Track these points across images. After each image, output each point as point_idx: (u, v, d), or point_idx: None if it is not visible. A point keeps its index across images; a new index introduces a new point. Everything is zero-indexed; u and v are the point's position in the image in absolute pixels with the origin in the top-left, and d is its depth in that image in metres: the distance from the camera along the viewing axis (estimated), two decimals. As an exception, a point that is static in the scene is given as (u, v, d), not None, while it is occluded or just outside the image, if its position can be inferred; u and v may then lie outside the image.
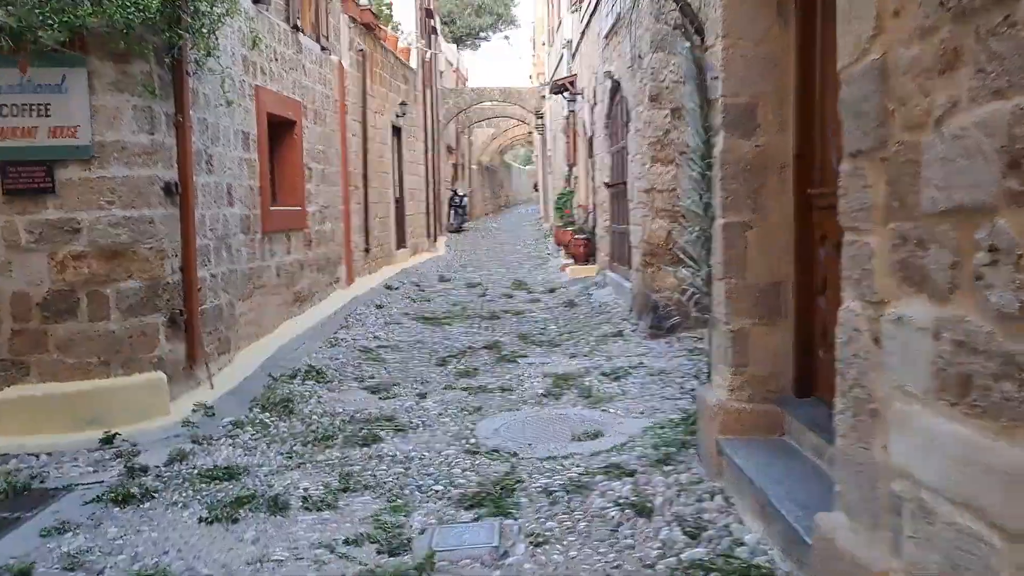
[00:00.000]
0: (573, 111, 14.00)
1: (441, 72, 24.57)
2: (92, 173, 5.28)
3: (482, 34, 37.12)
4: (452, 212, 24.60)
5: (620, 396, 5.98)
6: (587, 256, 12.23)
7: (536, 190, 40.82)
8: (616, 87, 9.61)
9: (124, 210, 5.37)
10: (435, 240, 19.10)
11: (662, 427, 5.05)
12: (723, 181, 4.09)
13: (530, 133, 37.01)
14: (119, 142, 5.33)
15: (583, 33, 13.22)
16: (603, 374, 6.54)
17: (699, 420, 4.38)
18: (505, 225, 29.90)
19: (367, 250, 12.10)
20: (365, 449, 4.95)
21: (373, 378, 6.74)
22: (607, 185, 10.65)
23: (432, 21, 20.11)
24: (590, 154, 12.31)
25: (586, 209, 12.97)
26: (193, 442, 5.10)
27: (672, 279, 7.54)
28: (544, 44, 25.06)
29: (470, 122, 29.34)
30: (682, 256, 4.74)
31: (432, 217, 18.87)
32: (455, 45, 31.02)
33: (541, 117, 24.26)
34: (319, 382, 6.55)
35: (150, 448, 5.01)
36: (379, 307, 9.85)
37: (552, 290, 11.16)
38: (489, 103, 27.90)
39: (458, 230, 24.44)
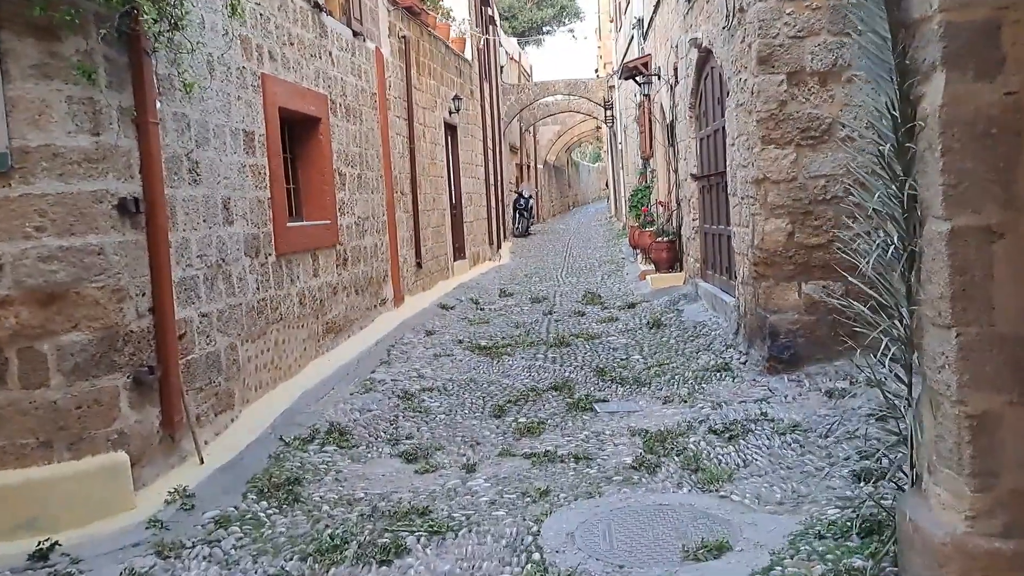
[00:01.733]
0: (647, 96, 12.27)
1: (502, 67, 23.11)
2: (12, 191, 3.91)
3: (545, 28, 35.52)
4: (517, 215, 23.09)
5: (742, 469, 4.31)
6: (671, 262, 10.50)
7: (607, 187, 39.03)
8: (705, 57, 7.88)
9: (60, 238, 3.99)
10: (498, 247, 17.61)
11: (821, 536, 3.38)
12: (945, 157, 2.41)
13: (598, 128, 35.26)
14: (49, 147, 3.95)
15: (656, 6, 11.49)
16: (712, 431, 4.87)
17: (906, 555, 2.68)
18: (574, 226, 28.22)
19: (419, 264, 10.67)
20: (384, 569, 3.45)
21: (410, 438, 5.23)
22: (695, 177, 8.91)
23: (489, 10, 18.64)
24: (670, 142, 10.58)
25: (667, 207, 11.23)
26: (157, 553, 3.70)
27: (795, 296, 5.80)
28: (611, 31, 23.31)
29: (534, 119, 27.80)
30: (878, 280, 3.02)
31: (494, 222, 17.39)
32: (516, 41, 29.52)
33: (610, 108, 22.51)
34: (341, 447, 5.08)
35: (96, 567, 3.63)
36: (429, 333, 8.36)
37: (631, 305, 9.48)
38: (554, 98, 26.30)
39: (524, 234, 22.92)
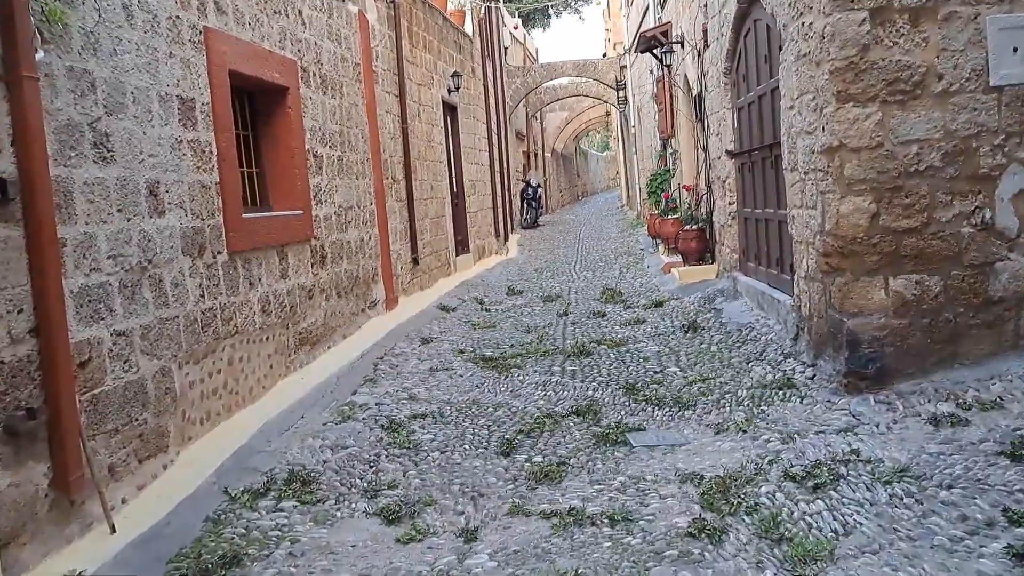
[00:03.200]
0: (668, 67, 10.99)
1: (506, 48, 21.83)
2: None
3: (551, 10, 34.13)
4: (525, 206, 21.84)
5: (844, 540, 3.11)
6: (701, 253, 9.25)
7: (616, 176, 37.71)
8: (746, 8, 6.63)
9: None
10: (505, 240, 16.38)
11: None
12: None
13: (607, 114, 33.97)
14: None
15: (678, -35, 10.23)
16: (790, 476, 3.66)
17: None
18: (584, 216, 26.96)
19: (415, 260, 9.46)
20: None
21: (394, 487, 4.04)
22: (732, 154, 7.66)
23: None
24: (698, 117, 9.32)
25: (695, 191, 9.97)
26: None
27: (881, 294, 4.56)
28: (621, 7, 21.99)
29: (542, 104, 26.52)
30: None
31: (501, 213, 16.17)
32: (520, 22, 28.20)
33: (622, 89, 21.21)
34: (303, 501, 3.89)
35: None
36: (425, 341, 7.15)
37: (659, 303, 8.24)
38: (561, 81, 25.01)
39: (533, 225, 21.69)
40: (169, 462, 4.22)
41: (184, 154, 4.60)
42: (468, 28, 14.20)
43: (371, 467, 4.30)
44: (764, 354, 5.72)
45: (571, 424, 4.79)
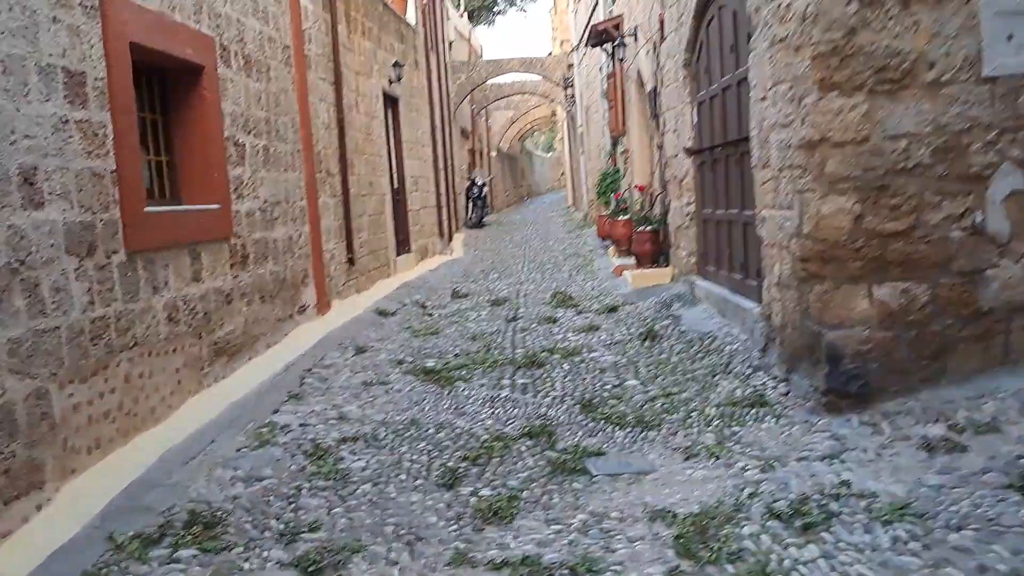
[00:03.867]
0: (621, 60, 10.56)
1: (451, 42, 21.22)
2: None
3: (496, 7, 33.67)
4: (470, 204, 21.27)
5: (849, 598, 2.63)
6: (654, 256, 8.82)
7: (562, 178, 37.45)
8: (710, -7, 6.19)
9: None
10: (450, 239, 15.78)
11: None
12: None
13: (553, 114, 33.64)
14: None
15: (632, -46, 9.80)
16: (774, 514, 3.19)
17: None
18: (531, 217, 26.51)
19: (351, 261, 8.80)
20: None
21: (315, 529, 3.42)
22: (690, 152, 7.23)
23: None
24: (653, 113, 8.89)
25: (649, 191, 9.54)
26: None
27: (865, 303, 4.14)
28: (569, 4, 21.60)
29: (487, 101, 25.98)
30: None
31: (446, 211, 15.56)
32: (466, 17, 27.61)
33: (570, 87, 20.80)
34: (206, 550, 3.24)
35: None
36: (360, 351, 6.51)
37: (612, 308, 7.76)
38: (507, 79, 24.51)
39: (478, 225, 21.13)
40: (45, 501, 3.53)
41: (71, 136, 3.89)
42: (411, 18, 13.55)
43: (290, 504, 3.67)
44: (731, 366, 5.26)
45: (523, 448, 4.24)
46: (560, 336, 6.81)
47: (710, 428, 4.31)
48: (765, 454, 3.85)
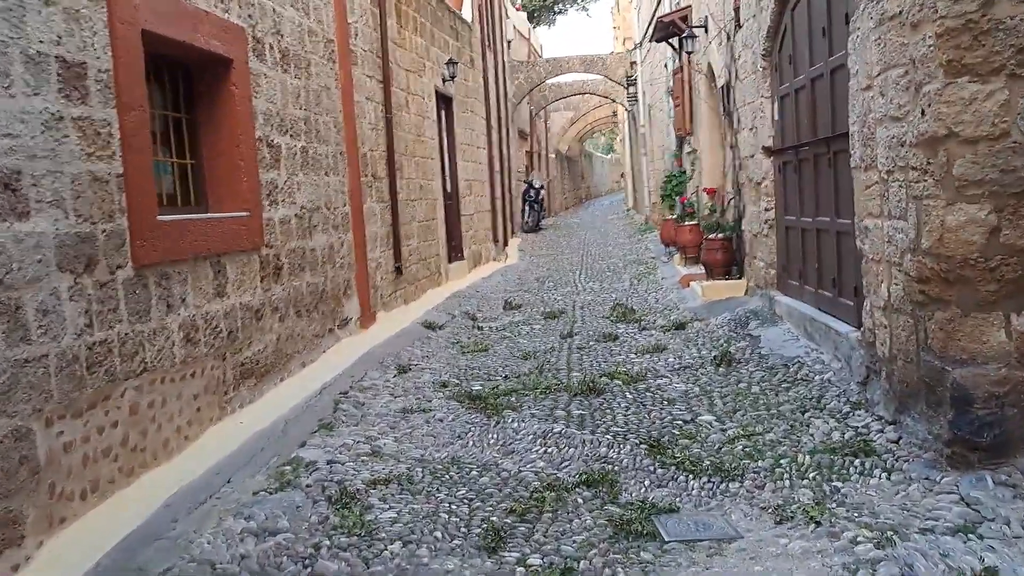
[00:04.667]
0: (691, 53, 9.81)
1: (509, 41, 20.67)
2: None
3: (557, 7, 33.00)
4: (527, 208, 20.68)
5: None
6: (727, 265, 8.07)
7: (621, 180, 36.59)
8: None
9: None
10: (504, 245, 15.20)
11: None
12: None
13: (614, 114, 32.81)
14: None
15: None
16: (904, 614, 2.48)
17: None
18: (588, 220, 25.80)
19: (398, 270, 8.28)
20: None
21: (331, 604, 2.85)
22: (770, 152, 6.48)
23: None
24: (726, 111, 8.14)
25: (720, 194, 8.79)
26: None
27: (1000, 335, 3.38)
28: (631, 1, 20.83)
29: (546, 102, 25.35)
30: None
31: (501, 215, 14.99)
32: (525, 16, 27.04)
33: (633, 84, 20.03)
34: (198, 628, 2.71)
35: None
36: (402, 370, 5.96)
37: (680, 325, 7.05)
38: (567, 78, 23.83)
39: (535, 229, 20.52)
40: (23, 560, 3.04)
41: (66, 136, 3.42)
42: (467, 14, 13.03)
43: (305, 568, 3.11)
44: (823, 401, 4.53)
45: (579, 500, 3.60)
46: (621, 357, 6.14)
47: (805, 481, 3.60)
48: (878, 521, 3.13)
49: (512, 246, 16.17)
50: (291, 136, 5.82)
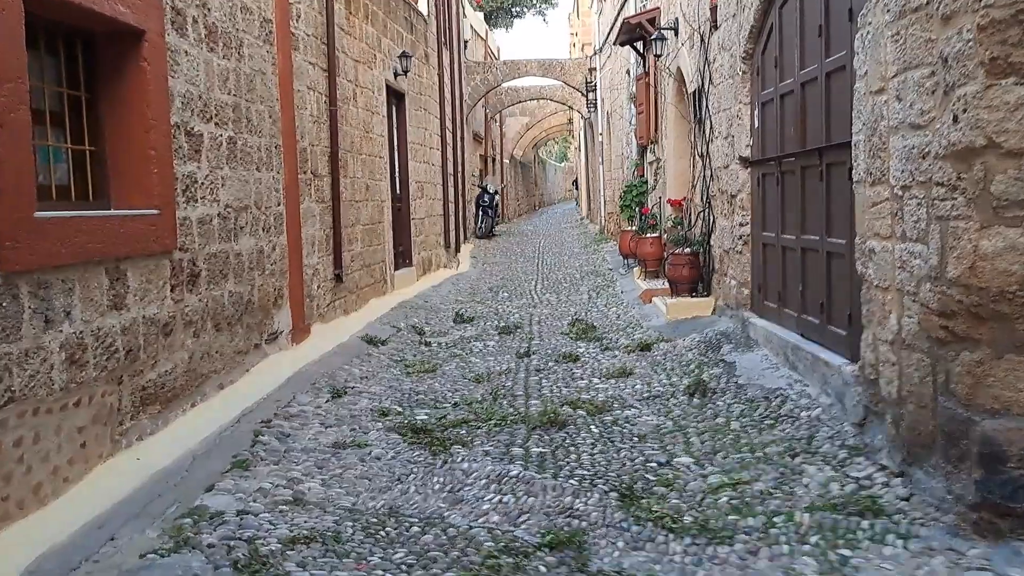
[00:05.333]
0: (657, 57, 9.32)
1: (467, 41, 20.06)
2: None
3: (515, 10, 32.55)
4: (480, 213, 20.07)
5: None
6: (693, 282, 7.57)
7: (575, 187, 36.27)
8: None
9: None
10: (456, 251, 14.56)
11: None
12: None
13: (569, 122, 32.46)
14: None
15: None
16: None
17: None
18: (543, 228, 25.31)
19: (338, 277, 7.58)
20: None
21: None
22: (748, 162, 6.00)
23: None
24: (696, 117, 7.65)
25: (687, 206, 8.31)
26: None
27: (1040, 384, 2.87)
28: (592, 4, 20.43)
29: (502, 106, 24.80)
30: None
31: (453, 220, 14.35)
32: (483, 17, 26.46)
33: (591, 91, 19.59)
34: None
35: None
36: (337, 394, 5.28)
37: (646, 346, 6.50)
38: (524, 82, 23.32)
39: (488, 235, 19.92)
40: None
41: (-98, 105, 2.68)
42: (423, 8, 12.37)
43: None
44: (814, 443, 4.00)
45: (542, 567, 2.99)
46: (584, 382, 5.56)
47: (807, 548, 3.04)
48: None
49: (464, 253, 15.53)
50: (216, 124, 5.10)
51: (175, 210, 4.50)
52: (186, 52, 4.72)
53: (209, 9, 5.04)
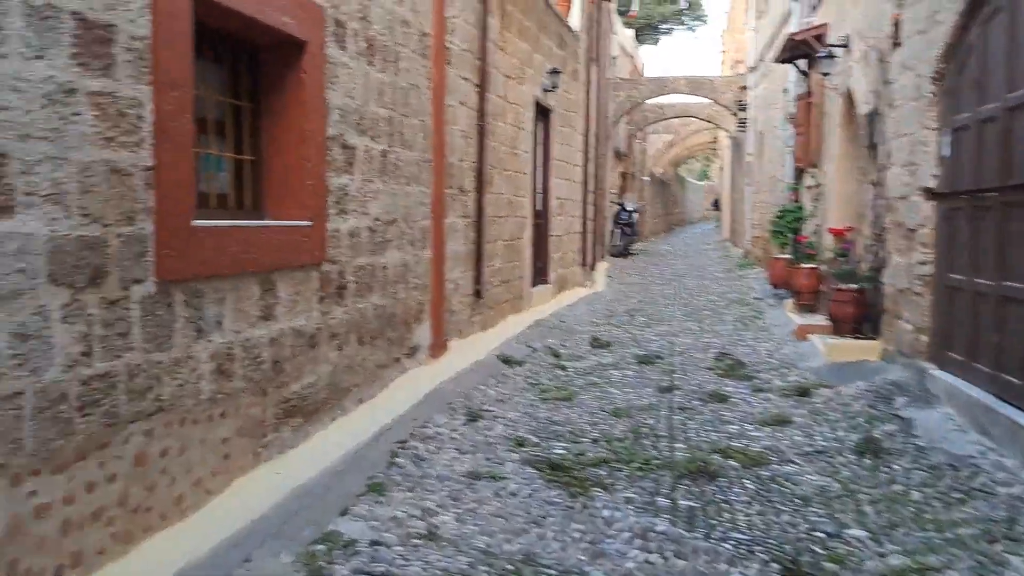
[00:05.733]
0: (825, 75, 8.69)
1: (614, 57, 19.80)
2: None
3: (663, 26, 31.97)
4: (617, 231, 19.68)
5: None
6: (858, 321, 6.92)
7: (716, 208, 35.13)
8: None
9: None
10: (591, 268, 14.26)
11: None
12: None
13: (714, 140, 31.47)
14: None
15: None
16: None
17: None
18: (681, 248, 24.57)
19: (478, 294, 7.47)
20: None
21: None
22: (934, 194, 5.38)
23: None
24: (869, 142, 7.02)
25: (855, 238, 7.66)
26: None
27: None
28: (747, 21, 19.67)
29: (645, 122, 24.31)
30: None
31: (590, 238, 14.07)
32: (630, 33, 26.10)
33: (743, 109, 18.83)
34: None
35: None
36: (472, 417, 5.11)
37: (803, 391, 5.96)
38: (670, 99, 22.75)
39: (623, 254, 19.50)
40: (-44, 665, 2.29)
41: (77, 113, 2.70)
42: (574, 23, 12.21)
43: None
44: (1016, 528, 3.42)
45: (695, 651, 2.64)
46: (735, 428, 5.12)
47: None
48: None
49: (600, 271, 15.21)
50: (370, 137, 5.07)
51: (326, 221, 4.47)
52: (345, 64, 4.71)
53: (370, 22, 5.02)
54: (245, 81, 4.16)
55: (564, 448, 4.64)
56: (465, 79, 7.04)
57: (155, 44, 3.05)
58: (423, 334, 6.13)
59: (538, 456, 4.46)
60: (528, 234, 9.48)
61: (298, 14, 4.10)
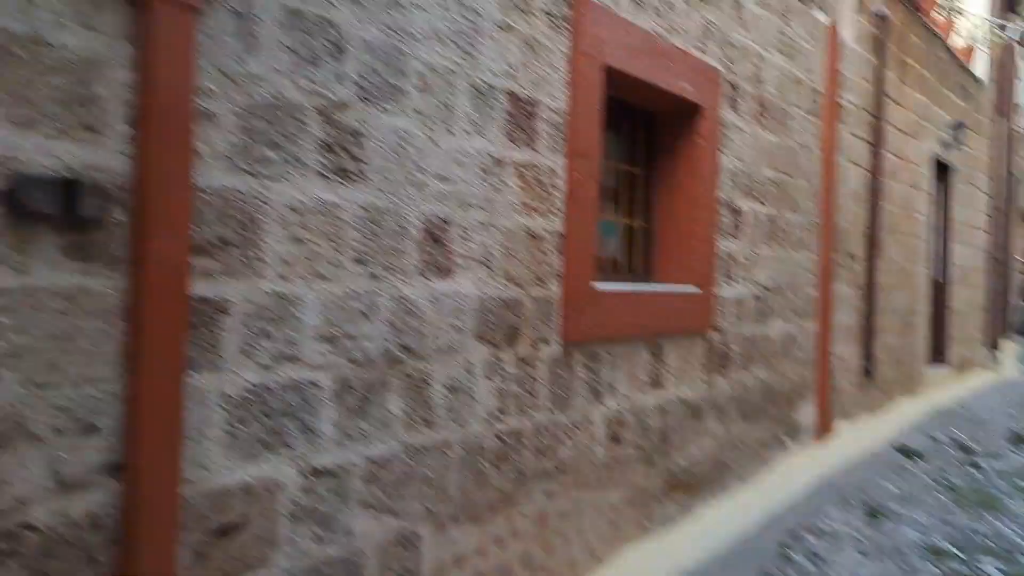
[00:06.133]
0: None
1: (1018, 105, 17.13)
2: None
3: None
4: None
5: None
6: None
7: None
8: None
9: None
10: (996, 348, 12.16)
11: None
12: None
13: None
14: None
15: None
16: None
17: None
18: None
19: (867, 372, 6.67)
20: None
21: None
22: None
23: (1018, 17, 13.44)
24: None
25: None
26: None
27: None
28: None
29: (1060, 179, 20.49)
30: None
31: (995, 313, 12.05)
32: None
33: None
34: None
35: None
36: (873, 515, 4.46)
37: None
38: (1096, 150, 18.93)
39: (1032, 332, 16.38)
40: None
41: (503, 182, 2.89)
42: (979, 70, 10.77)
43: None
44: None
45: None
46: None
47: None
48: None
49: (1007, 352, 12.93)
50: (758, 200, 4.83)
51: (713, 287, 4.30)
52: (737, 127, 4.56)
53: (762, 82, 4.83)
54: (640, 148, 4.20)
55: (997, 568, 3.81)
56: (857, 136, 6.48)
57: (571, 116, 3.18)
58: (807, 413, 5.60)
59: (963, 573, 3.71)
60: (923, 306, 8.36)
61: (696, 79, 4.06)
